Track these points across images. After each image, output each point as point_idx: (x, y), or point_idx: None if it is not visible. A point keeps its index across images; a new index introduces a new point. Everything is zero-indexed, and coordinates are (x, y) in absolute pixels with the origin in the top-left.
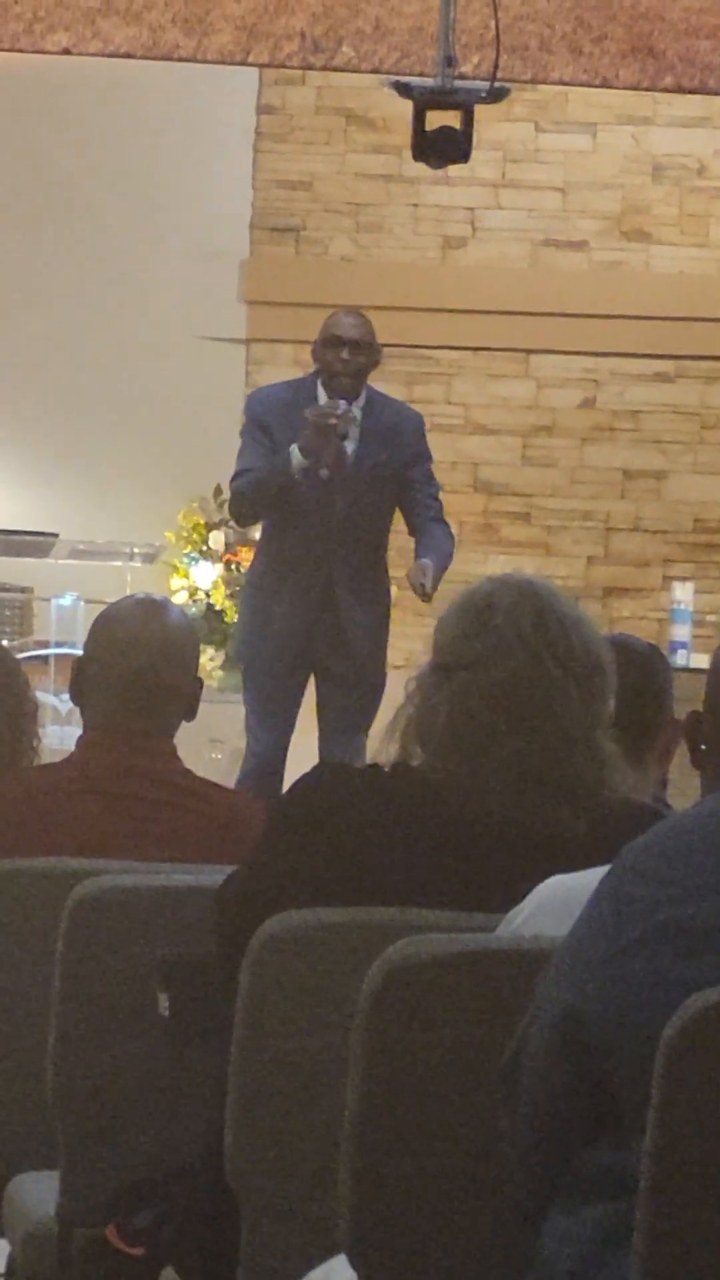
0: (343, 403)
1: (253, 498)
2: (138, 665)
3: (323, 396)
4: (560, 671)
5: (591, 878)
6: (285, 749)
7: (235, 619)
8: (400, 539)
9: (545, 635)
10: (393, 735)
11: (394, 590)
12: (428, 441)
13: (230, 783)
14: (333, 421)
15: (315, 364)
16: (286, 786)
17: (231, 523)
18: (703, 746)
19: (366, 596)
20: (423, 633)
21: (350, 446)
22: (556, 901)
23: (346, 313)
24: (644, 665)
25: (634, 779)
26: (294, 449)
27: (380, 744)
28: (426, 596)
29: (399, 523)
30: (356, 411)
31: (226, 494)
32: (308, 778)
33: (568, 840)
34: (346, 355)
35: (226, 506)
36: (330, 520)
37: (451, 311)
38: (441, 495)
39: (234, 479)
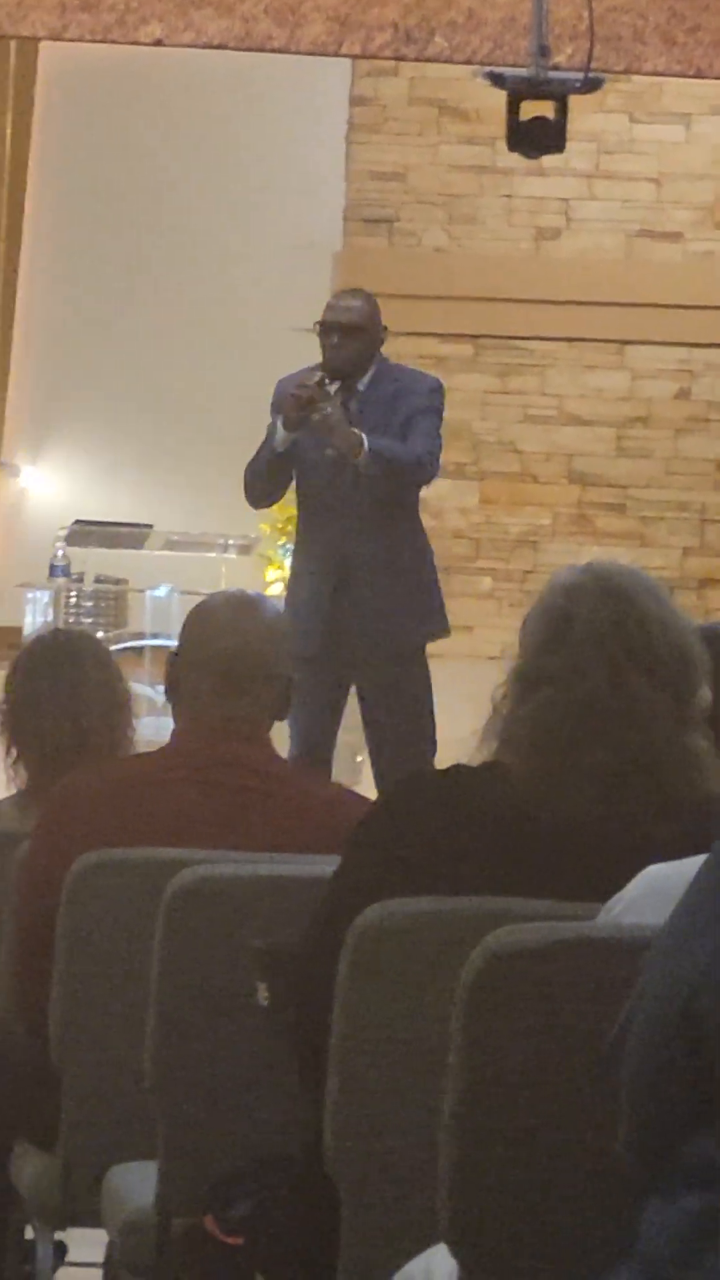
0: (318, 373)
1: (250, 476)
2: (229, 650)
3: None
4: (643, 679)
5: (691, 866)
6: (330, 735)
7: None
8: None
9: (626, 643)
10: (484, 741)
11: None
12: (440, 402)
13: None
14: (298, 392)
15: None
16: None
17: None
18: None
19: (393, 568)
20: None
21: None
22: (656, 890)
23: (344, 295)
24: None
25: None
26: (278, 422)
27: (474, 748)
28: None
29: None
30: (331, 387)
31: None
32: (403, 778)
33: (659, 843)
34: (336, 341)
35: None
36: (341, 498)
37: (545, 303)
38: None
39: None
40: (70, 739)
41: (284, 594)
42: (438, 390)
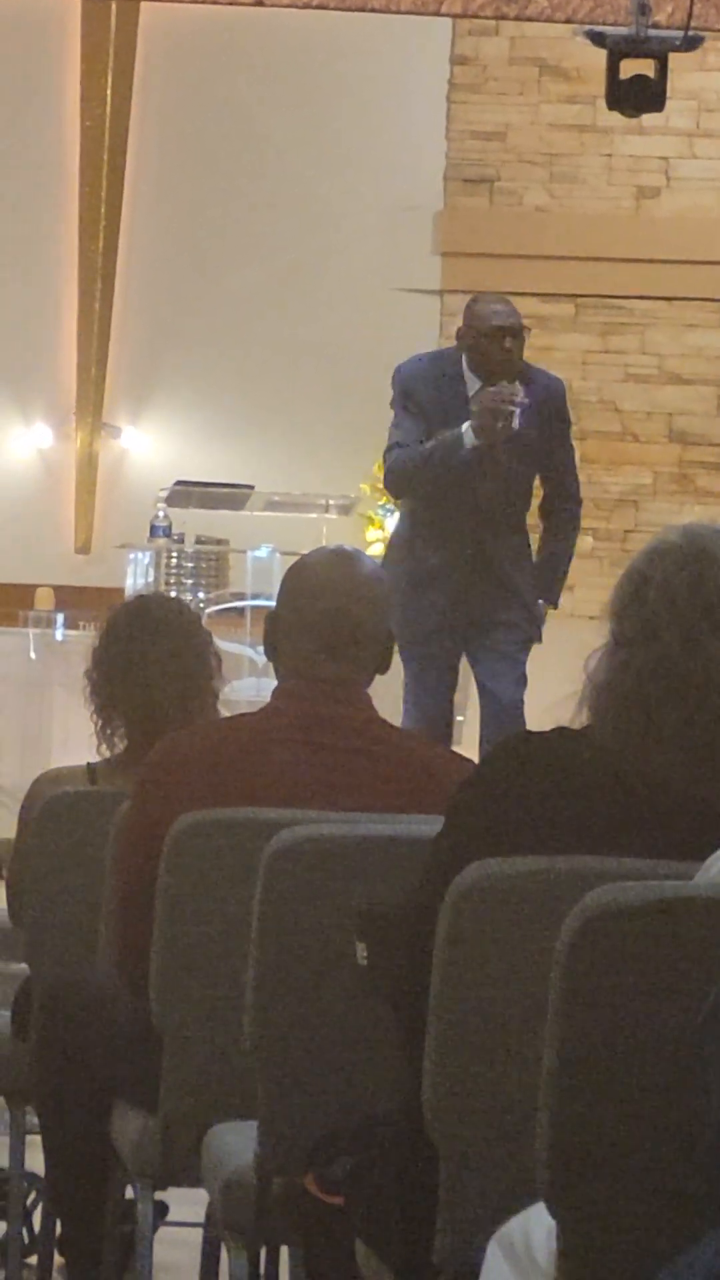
0: (520, 389)
1: (415, 473)
2: (330, 612)
3: (469, 377)
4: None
5: None
6: (451, 708)
7: None
8: None
9: (704, 602)
10: (579, 705)
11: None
12: (568, 410)
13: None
14: (511, 409)
15: (464, 348)
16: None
17: None
18: None
19: (520, 566)
20: None
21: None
22: None
23: (495, 299)
24: None
25: None
26: (466, 429)
27: (572, 712)
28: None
29: None
30: (525, 397)
31: None
32: (504, 739)
33: None
34: (509, 344)
35: (384, 474)
36: (477, 492)
37: (646, 261)
38: (580, 493)
39: (389, 450)
40: (174, 702)
41: (385, 554)
42: (565, 393)
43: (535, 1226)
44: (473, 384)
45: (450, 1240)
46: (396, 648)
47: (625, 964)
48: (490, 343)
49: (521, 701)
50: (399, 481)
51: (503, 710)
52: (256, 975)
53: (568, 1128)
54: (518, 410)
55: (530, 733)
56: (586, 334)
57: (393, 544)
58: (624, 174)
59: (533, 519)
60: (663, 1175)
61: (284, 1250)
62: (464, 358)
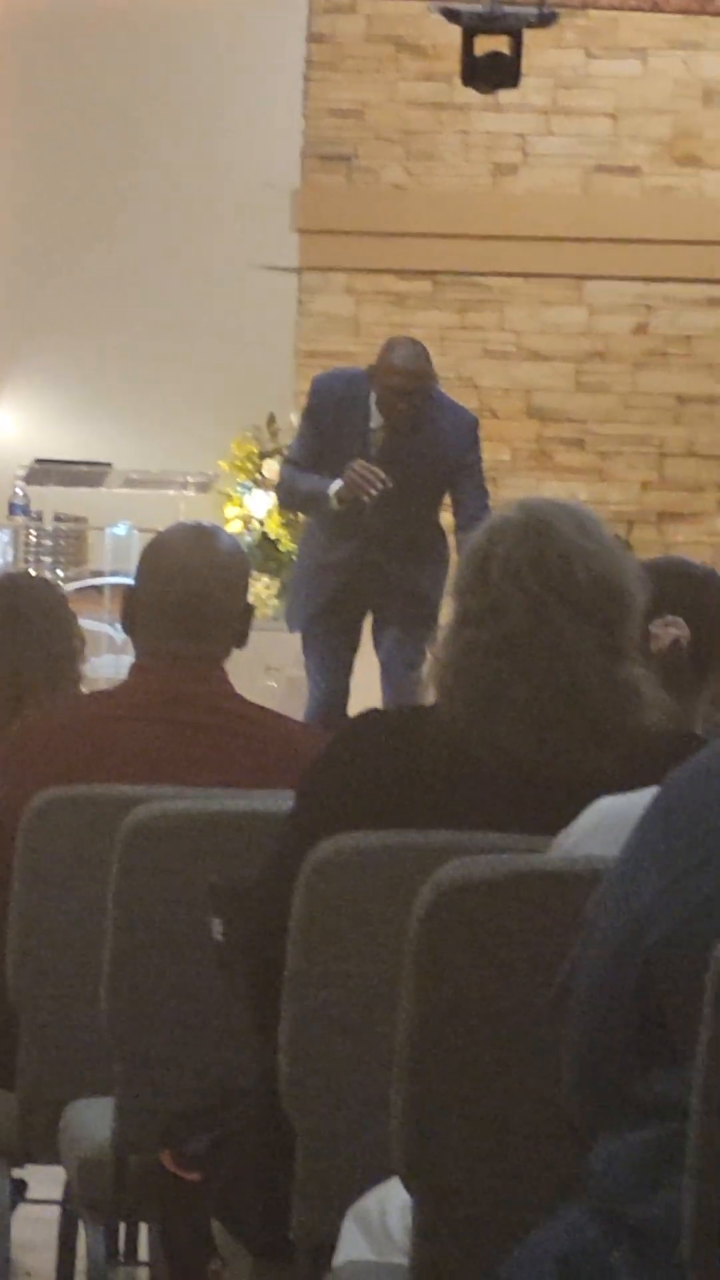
0: (381, 477)
1: (294, 505)
2: (187, 590)
3: (374, 413)
4: (566, 612)
5: (641, 800)
6: (346, 691)
7: (289, 548)
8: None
9: (546, 576)
10: (428, 683)
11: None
12: (479, 446)
13: (285, 711)
14: (371, 494)
15: (370, 383)
16: None
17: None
18: None
19: (420, 554)
20: None
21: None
22: (607, 823)
23: (405, 353)
24: (702, 588)
25: (670, 705)
26: (332, 490)
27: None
28: None
29: None
30: (390, 484)
31: (280, 423)
32: (352, 719)
33: (599, 778)
34: (403, 406)
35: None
36: (379, 509)
37: (503, 238)
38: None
39: (284, 461)
40: (43, 685)
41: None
42: (477, 435)
43: (391, 1202)
44: (376, 416)
45: (306, 1216)
46: (297, 630)
47: (477, 938)
48: (388, 396)
49: (416, 681)
50: (284, 505)
51: (397, 689)
52: (113, 951)
53: (422, 1102)
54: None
55: (380, 710)
56: (444, 311)
57: (305, 529)
58: (481, 151)
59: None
60: (517, 1150)
61: (142, 1227)
62: (371, 398)
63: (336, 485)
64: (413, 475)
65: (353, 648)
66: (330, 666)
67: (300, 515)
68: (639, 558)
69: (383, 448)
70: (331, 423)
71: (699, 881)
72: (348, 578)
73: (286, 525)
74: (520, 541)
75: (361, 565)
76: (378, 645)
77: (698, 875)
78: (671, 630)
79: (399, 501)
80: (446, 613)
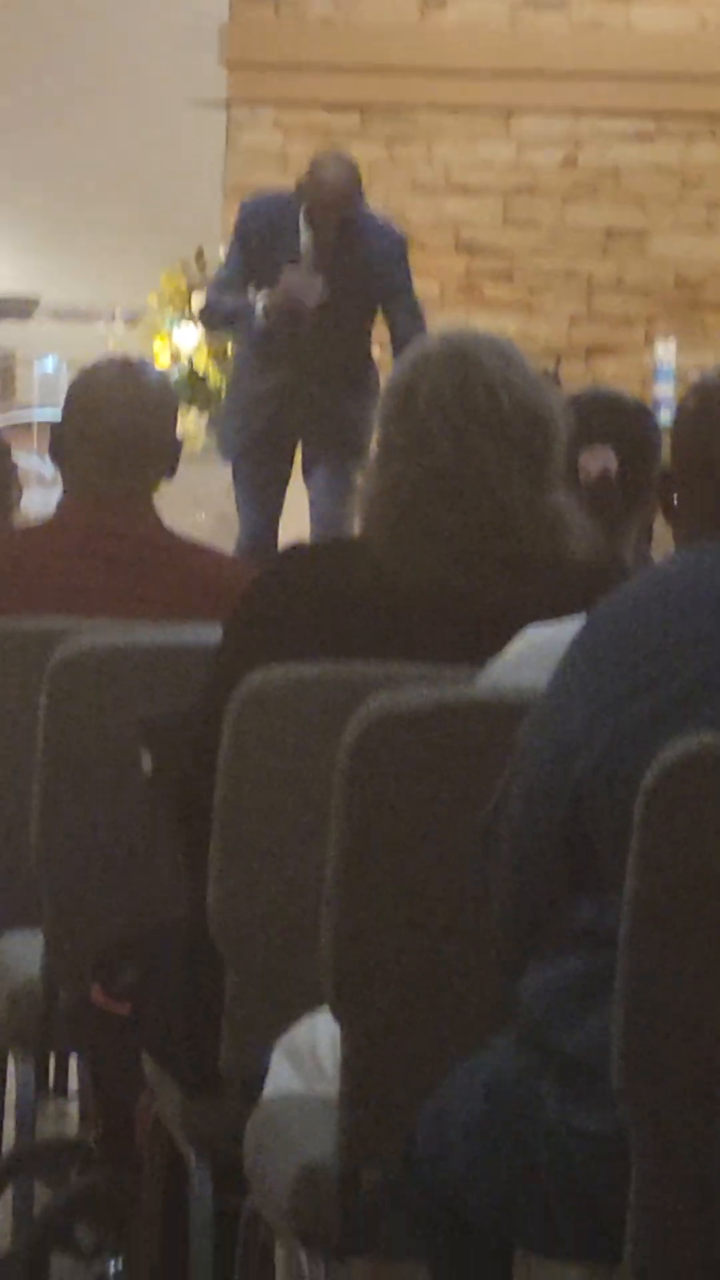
0: (319, 285)
1: (217, 324)
2: (114, 424)
3: (304, 233)
4: (491, 442)
5: (569, 628)
6: (276, 524)
7: (218, 382)
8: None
9: (471, 406)
10: (354, 517)
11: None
12: (408, 264)
13: (215, 545)
14: (303, 310)
15: (303, 201)
16: None
17: None
18: (674, 501)
19: (351, 383)
20: None
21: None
22: (535, 652)
23: (334, 165)
24: (632, 419)
25: (600, 537)
26: (260, 304)
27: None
28: None
29: None
30: (325, 293)
31: (208, 257)
32: (280, 552)
33: (527, 608)
34: (334, 221)
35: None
36: (309, 333)
37: (431, 72)
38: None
39: (211, 285)
40: None
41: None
42: (406, 251)
43: (320, 1033)
44: (306, 237)
45: (235, 1048)
46: (230, 459)
47: (406, 769)
48: (320, 211)
49: (344, 515)
50: (206, 318)
51: (326, 523)
52: (42, 785)
53: (350, 932)
54: (307, 307)
55: (308, 543)
56: (373, 144)
57: (235, 358)
58: None
59: None
60: (445, 980)
61: (72, 1060)
62: (301, 213)
63: (263, 299)
64: (344, 296)
65: (283, 480)
66: (260, 499)
67: (228, 351)
68: (568, 391)
69: (314, 268)
70: (260, 245)
71: (627, 711)
72: (278, 408)
73: (215, 359)
74: (444, 373)
75: (293, 395)
76: (307, 477)
77: (626, 705)
78: (600, 461)
79: (331, 325)
80: (374, 446)
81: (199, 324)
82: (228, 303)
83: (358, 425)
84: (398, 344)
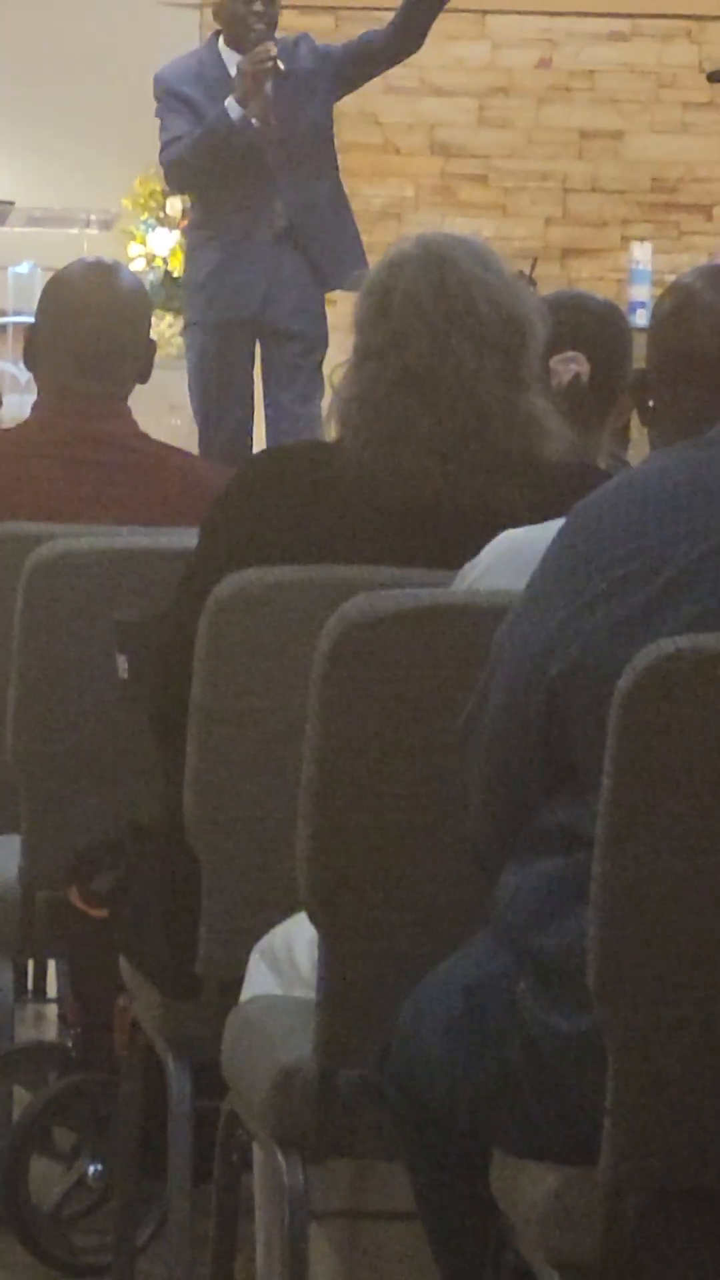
0: (271, 44)
1: (194, 159)
2: (88, 327)
3: (228, 56)
4: (468, 343)
5: (546, 532)
6: (247, 421)
7: None
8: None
9: (448, 307)
10: (329, 420)
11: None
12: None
13: (189, 448)
14: (269, 63)
15: (221, 24)
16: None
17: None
18: (650, 404)
19: (316, 246)
20: None
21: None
22: (512, 555)
23: None
24: (603, 322)
25: (575, 440)
26: (229, 101)
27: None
28: None
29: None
30: (280, 59)
31: None
32: (256, 455)
33: (504, 509)
34: (260, 8)
35: (165, 177)
36: (265, 170)
37: None
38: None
39: (164, 150)
40: None
41: (186, 254)
42: (336, 46)
43: (297, 936)
44: (234, 62)
45: (213, 952)
46: (194, 336)
47: (383, 672)
48: (243, 8)
49: (307, 415)
50: (180, 172)
51: (285, 422)
52: (18, 689)
53: (327, 836)
54: (281, 58)
55: (283, 446)
56: None
57: (187, 246)
58: None
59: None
60: (422, 883)
61: (50, 963)
62: (219, 40)
63: (230, 100)
64: (296, 110)
65: (250, 361)
66: (232, 394)
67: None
68: (542, 293)
69: (249, 91)
70: (196, 92)
71: (604, 611)
72: (239, 279)
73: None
74: (420, 274)
75: (255, 265)
76: (266, 372)
77: (603, 605)
78: (571, 366)
79: (294, 156)
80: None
81: (171, 180)
82: (196, 134)
83: (322, 315)
84: (365, 37)
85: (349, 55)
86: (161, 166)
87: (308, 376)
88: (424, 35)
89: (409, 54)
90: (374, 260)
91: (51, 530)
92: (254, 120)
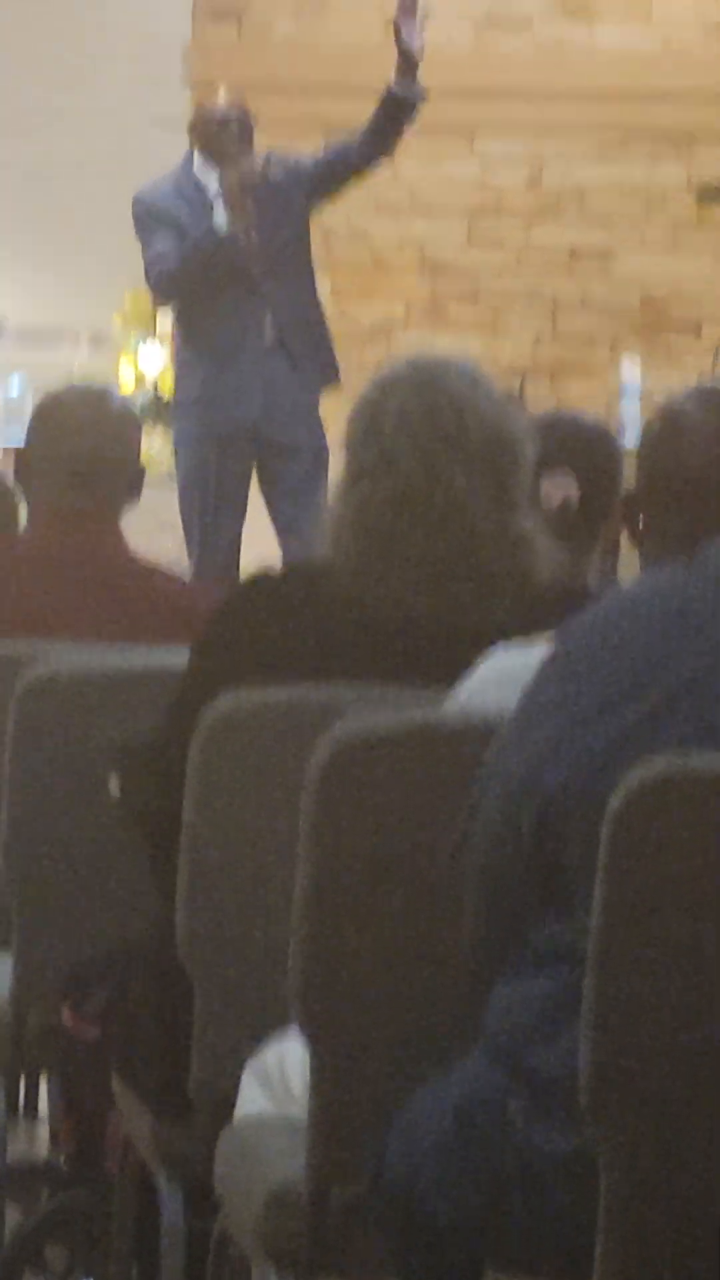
0: (253, 157)
1: (183, 273)
2: (79, 447)
3: (205, 173)
4: (459, 465)
5: (537, 650)
6: (239, 535)
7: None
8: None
9: (439, 429)
10: (322, 540)
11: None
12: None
13: (181, 567)
14: (252, 175)
15: (197, 143)
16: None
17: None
18: (640, 524)
19: (304, 354)
20: None
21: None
22: (503, 675)
23: (219, 89)
24: (593, 443)
25: (565, 560)
26: (216, 213)
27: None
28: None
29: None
30: (262, 164)
31: None
32: (247, 576)
33: (494, 629)
34: (235, 130)
35: (152, 293)
36: (251, 282)
37: None
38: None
39: (150, 266)
40: None
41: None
42: (304, 158)
43: (289, 1054)
44: (211, 180)
45: (205, 1070)
46: (187, 451)
47: (374, 792)
48: (218, 129)
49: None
50: (169, 286)
51: (293, 536)
52: (10, 808)
53: (319, 956)
54: (265, 171)
55: (273, 569)
56: None
57: (176, 366)
58: (373, 5)
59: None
60: (414, 1002)
61: (42, 1082)
62: (195, 159)
63: (217, 215)
64: (275, 220)
65: (246, 482)
66: (220, 515)
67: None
68: (532, 412)
69: (234, 206)
70: (177, 209)
71: (595, 730)
72: (232, 394)
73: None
74: (411, 394)
75: (248, 380)
76: (269, 484)
77: (594, 723)
78: (561, 489)
79: (276, 267)
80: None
81: (156, 292)
82: (183, 248)
83: (319, 422)
84: (332, 152)
85: (319, 167)
86: (148, 283)
87: (313, 490)
88: (394, 145)
89: (380, 162)
90: (364, 380)
91: (42, 649)
92: (239, 234)
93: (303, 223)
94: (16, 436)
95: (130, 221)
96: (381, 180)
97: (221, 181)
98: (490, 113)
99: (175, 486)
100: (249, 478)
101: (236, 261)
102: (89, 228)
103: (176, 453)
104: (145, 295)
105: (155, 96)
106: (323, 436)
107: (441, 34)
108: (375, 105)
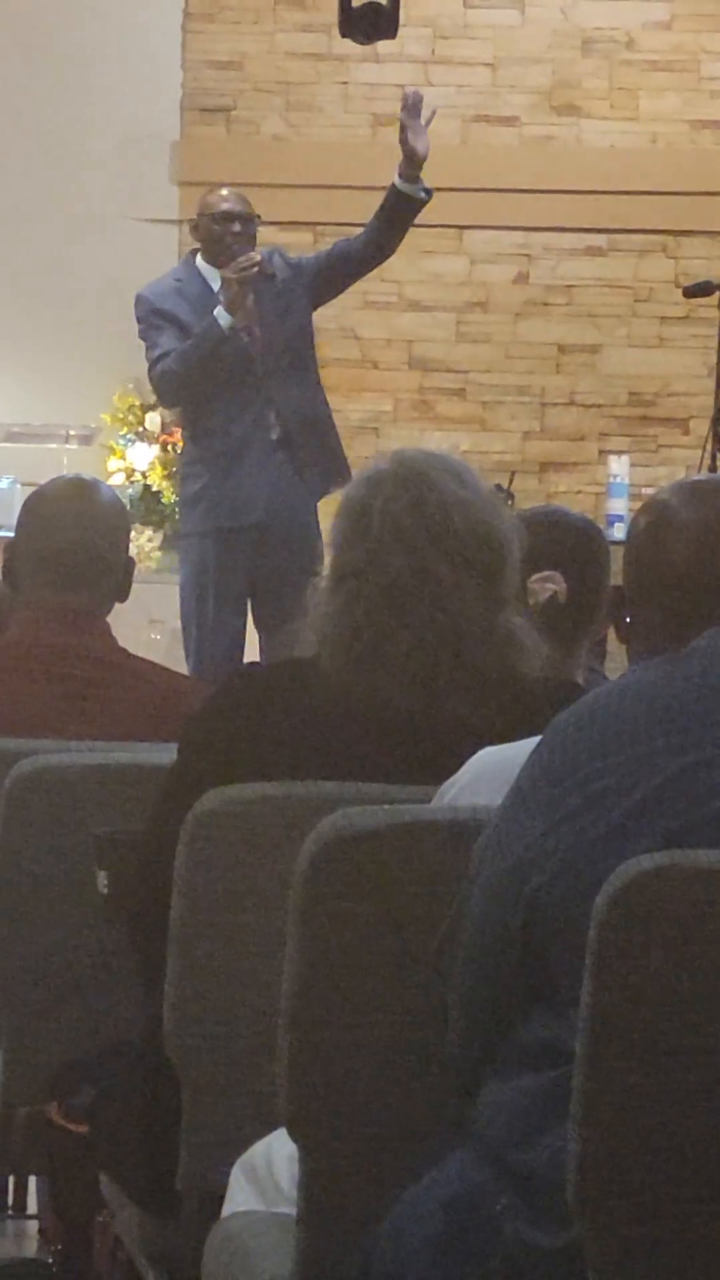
0: (255, 253)
1: (185, 371)
2: (67, 540)
3: (208, 272)
4: (446, 564)
5: (524, 748)
6: (242, 631)
7: (171, 500)
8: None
9: (426, 528)
10: (309, 637)
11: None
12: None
13: (169, 663)
14: (255, 268)
15: (198, 240)
16: None
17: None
18: (627, 619)
19: (309, 456)
20: None
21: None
22: (490, 772)
23: (224, 188)
24: (580, 539)
25: (550, 655)
26: (218, 310)
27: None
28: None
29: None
30: (264, 259)
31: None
32: (234, 672)
33: (482, 726)
34: (238, 229)
35: (156, 392)
36: (255, 379)
37: (383, 189)
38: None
39: (153, 366)
40: None
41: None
42: (303, 257)
43: (278, 1151)
44: (214, 278)
45: (193, 1167)
46: (190, 547)
47: (361, 889)
48: (221, 227)
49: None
50: (173, 385)
51: (272, 641)
52: None
53: (307, 1053)
54: (266, 265)
55: (260, 665)
56: None
57: (183, 461)
58: (360, 102)
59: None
60: (402, 1099)
61: (31, 1179)
62: (198, 258)
63: (219, 310)
64: (278, 323)
65: (245, 591)
66: (222, 616)
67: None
68: (521, 508)
69: (236, 303)
70: (179, 308)
71: (581, 825)
72: (252, 487)
73: (169, 477)
74: (398, 492)
75: (265, 457)
76: (260, 593)
77: (580, 819)
78: (549, 585)
79: (280, 365)
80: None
81: (162, 393)
82: (185, 346)
83: (318, 525)
84: (339, 249)
85: (322, 264)
86: (152, 382)
87: (300, 588)
88: (397, 242)
89: (382, 261)
90: (351, 476)
91: (30, 746)
92: (241, 330)
93: (306, 321)
94: (4, 533)
95: (118, 320)
96: (370, 277)
97: (223, 279)
98: (478, 208)
99: (164, 582)
100: (249, 575)
101: (239, 358)
102: (76, 326)
103: (179, 549)
104: (133, 394)
105: (143, 195)
106: (319, 538)
107: (430, 130)
108: (379, 205)
